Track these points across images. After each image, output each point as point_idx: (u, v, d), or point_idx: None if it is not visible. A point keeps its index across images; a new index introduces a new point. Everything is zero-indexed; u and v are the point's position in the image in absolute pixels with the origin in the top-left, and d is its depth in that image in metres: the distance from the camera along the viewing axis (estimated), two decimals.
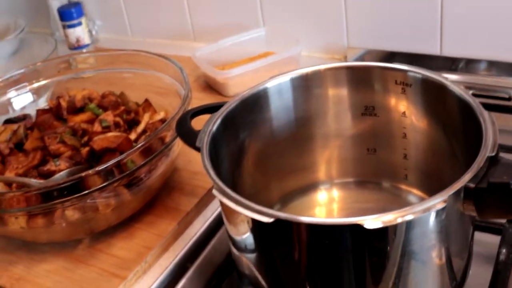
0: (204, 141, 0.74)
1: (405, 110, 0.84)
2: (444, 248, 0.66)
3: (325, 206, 0.92)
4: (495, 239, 0.84)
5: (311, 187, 0.93)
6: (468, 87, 1.18)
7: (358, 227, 0.57)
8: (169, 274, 0.88)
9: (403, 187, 0.90)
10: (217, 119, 0.78)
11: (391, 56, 1.30)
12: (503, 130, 1.03)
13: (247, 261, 0.73)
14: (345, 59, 1.35)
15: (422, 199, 0.88)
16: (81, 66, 1.23)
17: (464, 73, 1.22)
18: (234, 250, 0.75)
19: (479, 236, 0.83)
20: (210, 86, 1.30)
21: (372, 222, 0.57)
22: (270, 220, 0.60)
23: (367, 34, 1.32)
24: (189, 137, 0.78)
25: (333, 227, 0.60)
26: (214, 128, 0.76)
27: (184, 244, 0.92)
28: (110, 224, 0.93)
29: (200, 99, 1.24)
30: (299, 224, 0.60)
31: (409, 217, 0.58)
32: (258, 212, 0.61)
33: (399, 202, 0.89)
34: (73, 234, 0.92)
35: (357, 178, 0.93)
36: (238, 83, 1.22)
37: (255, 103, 0.83)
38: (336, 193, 0.93)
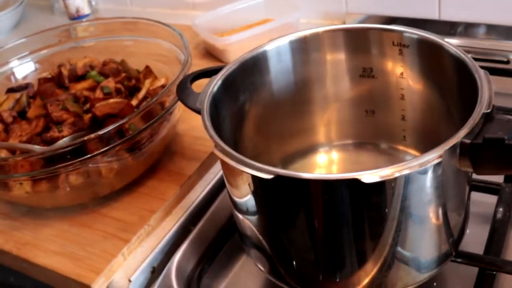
0: (205, 102, 0.75)
1: (402, 71, 0.85)
2: (441, 203, 0.67)
3: (325, 167, 0.93)
4: (492, 198, 0.86)
5: (310, 149, 0.94)
6: (467, 51, 1.19)
7: (356, 182, 0.58)
8: (172, 236, 0.90)
9: (402, 148, 0.91)
10: (217, 81, 0.78)
11: (390, 21, 1.30)
12: (501, 93, 1.05)
13: (249, 222, 0.74)
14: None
15: None
16: (81, 35, 1.23)
17: (463, 37, 1.23)
18: (236, 212, 0.76)
19: (476, 196, 0.84)
20: (210, 53, 1.31)
21: (369, 176, 0.58)
22: (270, 176, 0.61)
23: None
24: (190, 99, 0.79)
25: (332, 182, 0.61)
26: (215, 89, 0.77)
27: (186, 207, 0.93)
28: (114, 189, 0.94)
29: (200, 66, 1.23)
30: (298, 180, 0.61)
31: (406, 172, 0.59)
32: (258, 170, 0.62)
33: (397, 161, 0.90)
34: (77, 199, 0.94)
35: (356, 140, 0.94)
36: (237, 50, 1.22)
37: (254, 66, 0.83)
38: (335, 155, 0.94)
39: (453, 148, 0.62)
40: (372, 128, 0.92)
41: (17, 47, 1.15)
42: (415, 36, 0.81)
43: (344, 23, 1.35)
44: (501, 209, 0.83)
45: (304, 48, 0.87)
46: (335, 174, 0.61)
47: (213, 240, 0.90)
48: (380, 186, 0.61)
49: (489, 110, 0.65)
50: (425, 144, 0.87)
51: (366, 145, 0.93)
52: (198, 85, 0.83)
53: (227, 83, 0.79)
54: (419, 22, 1.27)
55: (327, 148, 0.94)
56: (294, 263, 0.71)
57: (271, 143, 0.90)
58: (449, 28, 1.25)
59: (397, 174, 0.59)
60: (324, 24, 1.37)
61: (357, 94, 0.90)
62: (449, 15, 1.24)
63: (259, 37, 1.22)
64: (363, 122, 0.92)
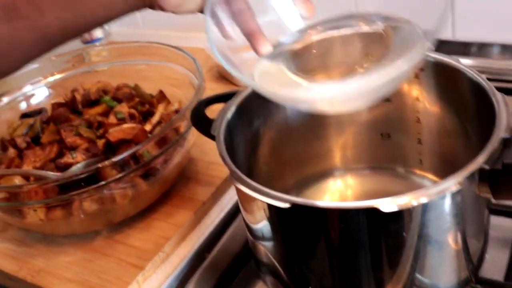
0: (219, 129, 0.74)
1: (418, 94, 0.84)
2: (460, 230, 0.66)
3: (340, 192, 0.92)
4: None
5: (326, 173, 0.93)
6: (481, 71, 1.18)
7: (374, 210, 0.58)
8: (186, 263, 0.89)
9: (418, 172, 0.90)
10: (231, 107, 0.78)
11: None
12: None
13: (264, 249, 0.73)
14: None
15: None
16: (94, 59, 1.23)
17: (477, 57, 1.22)
18: (251, 238, 0.75)
19: (495, 220, 0.82)
20: (223, 76, 1.30)
21: (387, 205, 0.57)
22: (287, 205, 0.60)
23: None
24: (204, 125, 0.79)
25: (349, 210, 0.60)
26: (229, 116, 0.77)
27: (201, 234, 0.93)
28: (128, 215, 0.93)
29: (213, 89, 1.24)
30: (315, 209, 0.61)
31: (424, 200, 0.59)
32: (275, 198, 0.62)
33: (414, 187, 0.88)
34: (91, 226, 0.93)
35: (371, 164, 0.93)
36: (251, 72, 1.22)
37: None
38: (351, 179, 0.93)
39: (472, 175, 0.61)
40: (388, 152, 0.91)
41: (30, 72, 1.15)
42: (431, 59, 0.81)
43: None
44: None
45: None
46: (352, 202, 0.60)
47: (228, 267, 0.89)
48: (398, 214, 0.60)
49: (507, 135, 0.64)
50: (442, 168, 0.87)
51: (382, 169, 0.92)
52: (212, 110, 0.82)
53: (241, 109, 0.79)
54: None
55: (342, 172, 0.93)
56: None
57: (286, 168, 0.89)
58: (463, 48, 1.24)
59: (414, 202, 0.58)
60: None
61: (372, 117, 0.89)
62: (463, 35, 1.23)
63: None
64: (378, 145, 0.91)
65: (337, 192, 0.92)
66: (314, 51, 0.75)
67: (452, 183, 0.59)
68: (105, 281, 0.86)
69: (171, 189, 0.99)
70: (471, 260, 0.70)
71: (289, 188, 0.90)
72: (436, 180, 0.88)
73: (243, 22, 0.68)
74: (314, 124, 0.89)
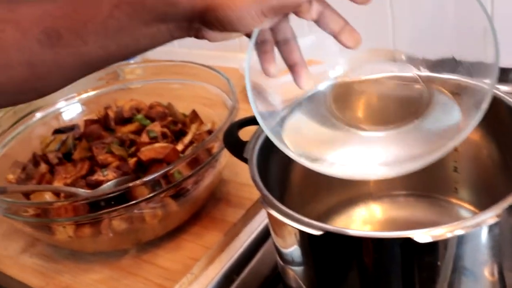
0: (252, 152, 0.73)
1: None
2: (496, 264, 0.64)
3: (372, 219, 0.91)
4: None
5: (359, 199, 0.91)
6: None
7: (408, 241, 0.56)
8: (215, 285, 0.88)
9: (453, 200, 0.88)
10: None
11: (438, 65, 1.27)
12: None
13: (294, 274, 0.72)
14: None
15: (473, 214, 0.86)
16: (128, 77, 1.24)
17: None
18: (281, 263, 0.74)
19: None
20: None
21: (422, 236, 0.56)
22: (319, 233, 0.59)
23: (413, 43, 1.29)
24: (237, 148, 0.78)
25: (382, 240, 0.59)
26: (262, 139, 0.76)
27: (230, 256, 0.91)
28: (157, 235, 0.93)
29: (247, 110, 1.22)
30: (348, 237, 0.59)
31: (460, 232, 0.57)
32: (307, 225, 0.60)
33: (450, 216, 0.87)
34: (119, 244, 0.92)
35: (406, 191, 0.91)
36: (286, 93, 1.21)
37: None
38: (384, 206, 0.91)
39: (511, 208, 0.59)
40: (422, 179, 0.89)
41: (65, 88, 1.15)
42: (468, 85, 0.79)
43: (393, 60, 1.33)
44: None
45: None
46: (386, 232, 0.58)
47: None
48: (433, 246, 0.58)
49: None
50: (479, 198, 0.85)
51: (417, 196, 0.90)
52: (246, 131, 0.81)
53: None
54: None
55: (375, 199, 0.91)
56: None
57: (319, 192, 0.88)
58: (501, 74, 1.21)
59: (450, 235, 0.56)
60: None
61: None
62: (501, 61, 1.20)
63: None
64: (413, 172, 0.89)
65: (369, 219, 0.90)
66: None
67: (490, 215, 0.57)
68: None
69: (201, 210, 0.98)
70: None
71: (321, 213, 0.89)
72: (472, 210, 0.86)
73: (287, 53, 0.68)
74: None
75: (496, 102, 0.75)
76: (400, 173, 0.64)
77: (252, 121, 0.84)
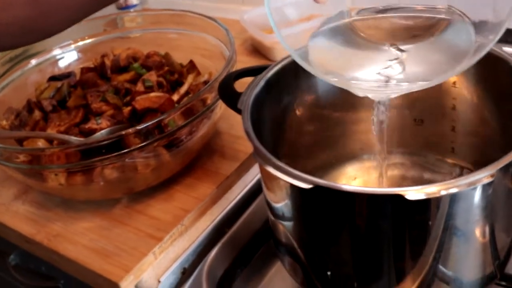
0: (246, 103, 0.72)
1: (456, 80, 0.81)
2: (488, 224, 0.63)
3: (368, 175, 0.90)
4: None
5: (354, 156, 0.91)
6: None
7: (400, 198, 0.55)
8: (205, 237, 0.88)
9: (450, 160, 0.88)
10: (260, 81, 0.75)
11: None
12: None
13: (284, 228, 0.71)
14: None
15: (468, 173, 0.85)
16: (128, 26, 1.22)
17: None
18: (272, 217, 0.73)
19: None
20: (257, 50, 1.28)
21: (414, 193, 0.55)
22: (309, 186, 0.58)
23: None
24: (231, 99, 0.76)
25: (374, 196, 0.58)
26: (257, 90, 0.74)
27: (222, 209, 0.91)
28: (149, 185, 0.92)
29: (245, 62, 1.22)
30: (338, 192, 0.58)
31: (453, 190, 0.56)
32: (297, 178, 0.59)
33: (444, 175, 0.86)
34: (111, 193, 0.92)
35: (402, 149, 0.90)
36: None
37: (299, 67, 0.80)
38: (379, 163, 0.90)
39: (505, 168, 0.58)
40: (420, 137, 0.88)
41: (61, 35, 1.14)
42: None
43: None
44: None
45: None
46: (378, 188, 0.58)
47: (248, 244, 0.87)
48: (425, 204, 0.57)
49: None
50: (475, 157, 0.84)
51: (413, 154, 0.90)
52: (242, 83, 0.80)
53: (270, 85, 0.76)
54: None
55: (371, 156, 0.90)
56: (329, 275, 0.68)
57: (314, 147, 0.87)
58: (506, 35, 1.19)
59: (443, 192, 0.55)
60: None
61: (406, 101, 0.86)
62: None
63: (309, 33, 1.18)
64: (411, 131, 0.88)
65: (364, 176, 0.90)
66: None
67: (484, 175, 0.57)
68: (121, 250, 0.85)
69: (195, 161, 0.97)
70: (498, 255, 0.68)
71: (316, 168, 0.88)
72: (468, 169, 0.85)
73: None
74: (346, 105, 0.87)
75: (497, 61, 0.74)
76: (411, 89, 0.66)
77: (248, 72, 0.82)
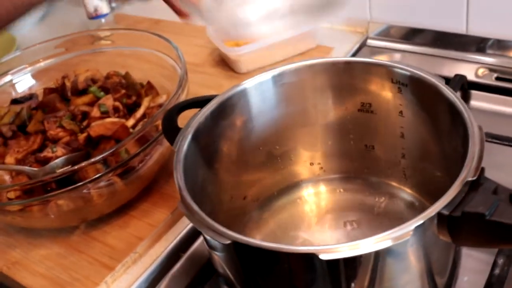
0: (181, 144, 0.72)
1: (402, 109, 0.81)
2: (420, 270, 0.64)
3: (314, 203, 0.91)
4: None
5: (303, 183, 0.92)
6: (495, 70, 1.13)
7: (314, 257, 0.55)
8: (160, 264, 0.88)
9: (401, 186, 0.88)
10: (195, 122, 0.76)
11: (413, 33, 1.25)
12: None
13: (219, 259, 0.71)
14: (367, 33, 1.30)
15: (419, 201, 0.85)
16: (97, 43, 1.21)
17: (493, 54, 1.16)
18: (207, 247, 0.73)
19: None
20: (224, 60, 1.27)
21: (326, 255, 0.55)
22: (227, 242, 0.59)
23: (390, 8, 1.26)
24: (173, 135, 0.77)
25: (285, 254, 0.58)
26: (192, 130, 0.75)
27: (177, 233, 0.91)
28: (102, 213, 0.93)
29: (212, 74, 1.22)
30: (254, 248, 0.58)
31: (365, 251, 0.56)
32: (216, 233, 0.60)
33: (398, 203, 0.87)
34: (66, 222, 0.93)
35: (351, 175, 0.91)
36: (250, 60, 1.19)
37: (234, 105, 0.81)
38: (325, 188, 0.92)
39: (430, 220, 0.58)
40: (371, 163, 0.89)
41: (26, 55, 1.14)
42: (414, 75, 0.77)
43: (367, 30, 1.30)
44: (501, 261, 0.78)
45: (295, 81, 0.84)
46: (291, 246, 0.57)
47: (202, 268, 0.87)
48: (337, 264, 0.57)
49: (474, 178, 0.60)
50: (425, 186, 0.84)
51: (364, 179, 0.90)
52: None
53: (204, 126, 0.77)
54: (445, 35, 1.21)
55: (318, 182, 0.92)
56: None
57: (260, 175, 0.88)
58: (478, 42, 1.18)
59: (354, 254, 0.55)
60: (347, 30, 1.33)
61: (356, 127, 0.87)
62: (477, 30, 1.17)
63: (273, 47, 1.18)
64: (362, 156, 0.88)
65: (312, 204, 0.91)
66: None
67: (403, 232, 0.56)
68: (75, 280, 0.86)
69: (152, 185, 0.98)
70: None
71: (259, 200, 0.90)
72: (419, 197, 0.86)
73: None
74: (288, 133, 0.88)
75: (437, 94, 0.75)
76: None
77: (192, 104, 0.83)
